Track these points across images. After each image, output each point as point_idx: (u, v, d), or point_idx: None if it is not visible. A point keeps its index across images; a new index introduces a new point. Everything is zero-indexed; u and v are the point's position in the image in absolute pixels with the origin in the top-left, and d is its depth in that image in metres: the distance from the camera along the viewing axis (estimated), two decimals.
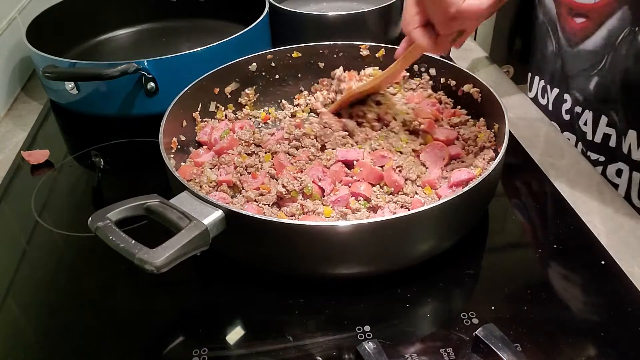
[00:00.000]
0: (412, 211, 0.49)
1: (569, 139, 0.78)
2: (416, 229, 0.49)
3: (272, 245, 0.50)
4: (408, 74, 0.75)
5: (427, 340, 0.47)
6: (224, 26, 1.00)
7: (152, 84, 0.74)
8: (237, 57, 0.73)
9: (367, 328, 0.48)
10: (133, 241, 0.43)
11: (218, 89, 0.72)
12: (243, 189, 0.60)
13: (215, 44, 0.77)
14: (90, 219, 0.46)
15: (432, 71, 0.73)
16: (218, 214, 0.47)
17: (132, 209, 0.48)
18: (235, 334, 0.49)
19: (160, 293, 0.54)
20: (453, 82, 0.71)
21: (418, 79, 0.74)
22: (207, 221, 0.46)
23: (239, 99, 0.75)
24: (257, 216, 0.48)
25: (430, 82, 0.74)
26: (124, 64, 0.70)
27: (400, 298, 0.51)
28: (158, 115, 0.61)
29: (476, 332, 0.42)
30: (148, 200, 0.48)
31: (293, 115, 0.75)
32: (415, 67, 0.74)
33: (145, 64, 0.73)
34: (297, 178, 0.58)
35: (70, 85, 0.75)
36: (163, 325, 0.51)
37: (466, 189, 0.49)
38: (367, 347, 0.42)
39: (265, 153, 0.64)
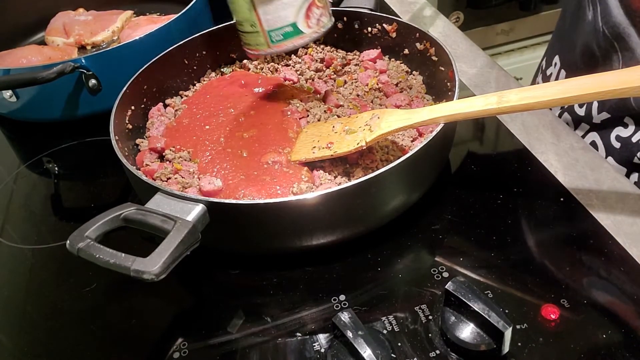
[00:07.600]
0: (380, 170, 0.48)
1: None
2: (384, 187, 0.50)
3: (256, 227, 0.49)
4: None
5: (401, 300, 0.48)
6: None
7: (93, 81, 0.71)
8: (180, 39, 0.70)
9: (342, 297, 0.49)
10: (123, 254, 0.42)
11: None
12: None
13: (153, 30, 0.74)
14: (68, 242, 0.44)
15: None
16: (199, 208, 0.47)
17: (109, 222, 0.46)
18: (212, 324, 0.49)
19: (138, 292, 0.53)
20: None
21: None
22: (191, 217, 0.46)
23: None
24: (239, 202, 0.48)
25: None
26: (59, 64, 0.67)
27: (371, 263, 0.52)
28: (106, 113, 0.60)
29: (446, 287, 0.43)
30: (123, 210, 0.46)
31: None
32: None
33: (83, 61, 0.70)
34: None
35: (7, 94, 0.72)
36: (145, 324, 0.51)
37: (428, 139, 0.50)
38: (342, 318, 0.42)
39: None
